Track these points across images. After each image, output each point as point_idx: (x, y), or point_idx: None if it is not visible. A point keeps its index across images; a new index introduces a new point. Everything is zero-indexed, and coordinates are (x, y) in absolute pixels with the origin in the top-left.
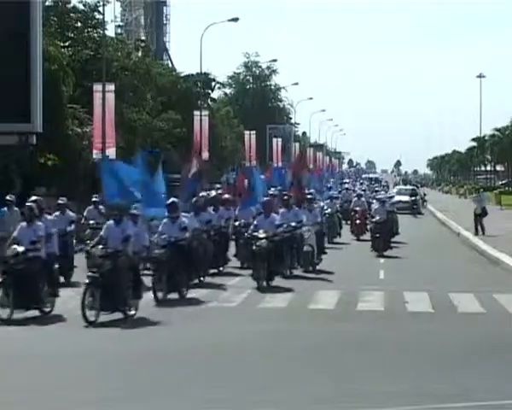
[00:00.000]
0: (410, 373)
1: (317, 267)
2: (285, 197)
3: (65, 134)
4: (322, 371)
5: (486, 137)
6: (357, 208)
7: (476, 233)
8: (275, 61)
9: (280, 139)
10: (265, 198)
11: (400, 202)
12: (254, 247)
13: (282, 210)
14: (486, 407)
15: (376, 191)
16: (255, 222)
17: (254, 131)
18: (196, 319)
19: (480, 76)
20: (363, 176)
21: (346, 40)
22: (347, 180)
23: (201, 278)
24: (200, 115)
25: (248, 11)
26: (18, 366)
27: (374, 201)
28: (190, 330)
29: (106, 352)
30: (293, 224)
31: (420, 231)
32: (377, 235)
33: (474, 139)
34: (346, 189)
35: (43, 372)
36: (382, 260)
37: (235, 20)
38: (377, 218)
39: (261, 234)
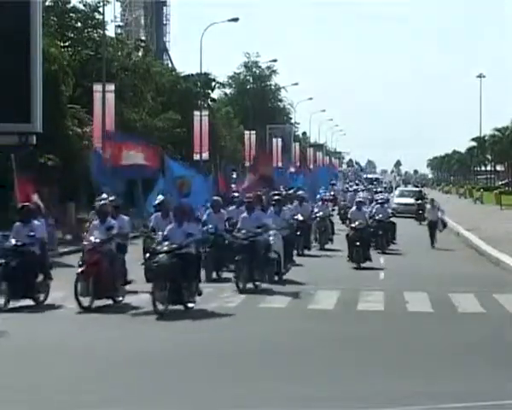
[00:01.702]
0: (409, 373)
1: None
2: (247, 199)
3: (65, 134)
4: (322, 371)
5: (486, 137)
6: None
7: (432, 244)
8: (275, 61)
9: (280, 139)
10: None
11: (403, 204)
12: (153, 263)
13: (243, 215)
14: (486, 407)
15: (380, 193)
16: (165, 232)
17: (254, 131)
18: (196, 319)
19: (480, 76)
20: (364, 176)
21: (346, 40)
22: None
23: (118, 298)
24: (200, 115)
25: (248, 11)
26: None
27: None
28: (189, 329)
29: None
30: (258, 230)
31: (420, 231)
32: (357, 243)
33: (474, 139)
34: (355, 190)
35: (30, 370)
36: (382, 260)
37: (235, 20)
38: (356, 223)
39: (164, 247)
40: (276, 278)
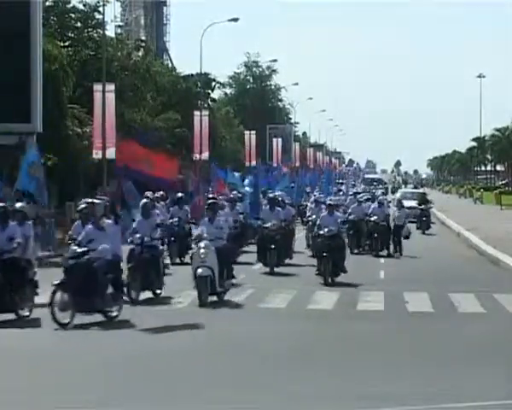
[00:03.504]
0: (409, 373)
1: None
2: (85, 208)
3: (65, 134)
4: (322, 371)
5: (486, 137)
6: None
7: (395, 251)
8: (275, 61)
9: (280, 139)
10: None
11: (406, 208)
12: None
13: (87, 227)
14: (486, 407)
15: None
16: None
17: (254, 131)
18: (196, 319)
19: (480, 76)
20: (365, 176)
21: (346, 40)
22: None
23: (23, 313)
24: (200, 115)
25: (248, 11)
26: None
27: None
28: (189, 329)
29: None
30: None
31: (423, 239)
32: (324, 254)
33: (474, 139)
34: (355, 193)
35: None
36: (382, 260)
37: (235, 20)
38: (325, 230)
39: None
40: (215, 298)
